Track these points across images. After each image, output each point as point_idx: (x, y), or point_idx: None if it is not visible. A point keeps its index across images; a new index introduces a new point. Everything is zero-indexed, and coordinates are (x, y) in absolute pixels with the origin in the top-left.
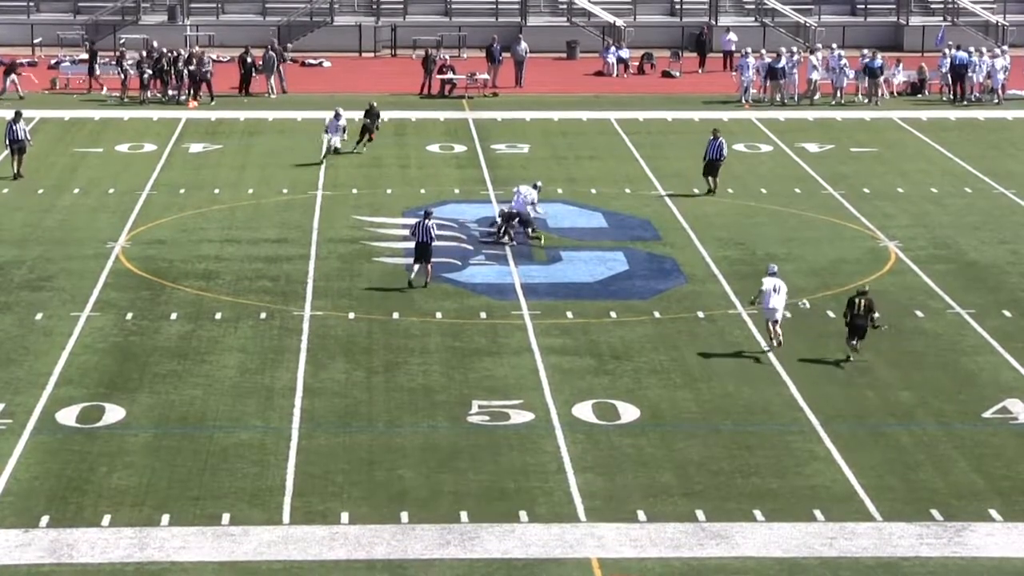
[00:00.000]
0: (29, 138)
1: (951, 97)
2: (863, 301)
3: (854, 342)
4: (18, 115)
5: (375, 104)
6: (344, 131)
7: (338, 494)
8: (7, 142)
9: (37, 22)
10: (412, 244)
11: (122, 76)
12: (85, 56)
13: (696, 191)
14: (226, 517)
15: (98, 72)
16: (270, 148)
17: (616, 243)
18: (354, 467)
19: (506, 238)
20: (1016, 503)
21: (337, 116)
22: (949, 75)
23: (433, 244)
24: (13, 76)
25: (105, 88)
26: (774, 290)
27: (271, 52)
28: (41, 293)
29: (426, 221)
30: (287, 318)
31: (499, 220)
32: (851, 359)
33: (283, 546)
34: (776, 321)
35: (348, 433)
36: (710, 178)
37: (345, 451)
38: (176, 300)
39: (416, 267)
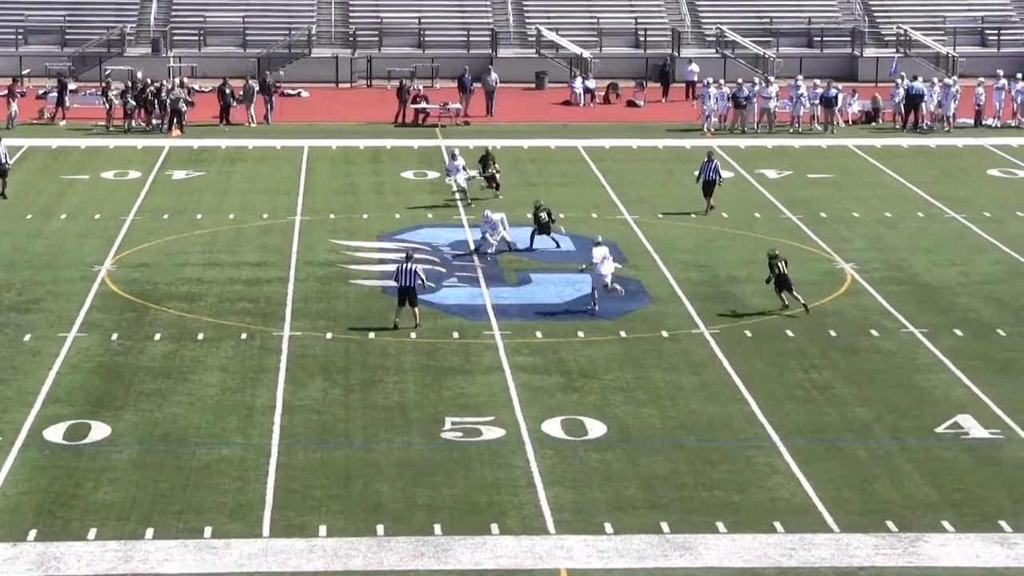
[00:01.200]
0: (9, 161)
1: (903, 125)
2: (780, 263)
3: (785, 294)
4: None
5: (489, 149)
6: (465, 169)
7: (316, 508)
8: None
9: (26, 54)
10: (392, 277)
11: (107, 106)
12: (72, 87)
13: (660, 216)
14: (208, 530)
15: (67, 103)
16: (250, 175)
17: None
18: (332, 482)
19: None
20: (968, 515)
21: (454, 157)
22: (902, 104)
23: (418, 287)
24: (15, 105)
25: (65, 121)
26: (603, 258)
27: (250, 83)
28: (29, 315)
29: (408, 264)
30: (267, 338)
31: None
32: (803, 306)
33: (263, 558)
34: (606, 285)
35: (326, 449)
36: (708, 199)
37: (323, 466)
38: (160, 321)
39: (401, 309)
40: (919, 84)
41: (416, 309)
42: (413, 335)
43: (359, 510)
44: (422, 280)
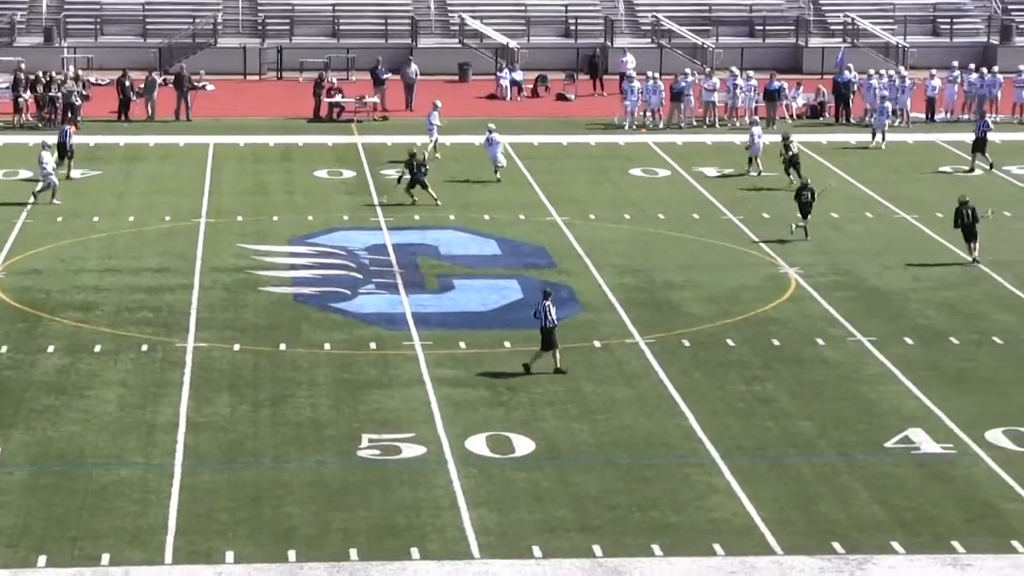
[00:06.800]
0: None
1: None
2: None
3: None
4: None
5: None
6: (499, 145)
7: (223, 532)
8: None
9: None
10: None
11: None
12: None
13: (592, 217)
14: (106, 557)
15: None
16: (151, 174)
17: (510, 271)
18: (239, 504)
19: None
20: (918, 535)
21: (491, 131)
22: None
23: (556, 327)
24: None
25: None
26: None
27: (152, 75)
28: None
29: (545, 303)
30: (169, 350)
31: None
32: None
33: None
34: None
35: (233, 469)
36: (978, 155)
37: (230, 488)
38: (53, 332)
39: (542, 354)
40: (848, 75)
41: (558, 352)
42: (327, 346)
43: (269, 535)
44: (553, 319)
